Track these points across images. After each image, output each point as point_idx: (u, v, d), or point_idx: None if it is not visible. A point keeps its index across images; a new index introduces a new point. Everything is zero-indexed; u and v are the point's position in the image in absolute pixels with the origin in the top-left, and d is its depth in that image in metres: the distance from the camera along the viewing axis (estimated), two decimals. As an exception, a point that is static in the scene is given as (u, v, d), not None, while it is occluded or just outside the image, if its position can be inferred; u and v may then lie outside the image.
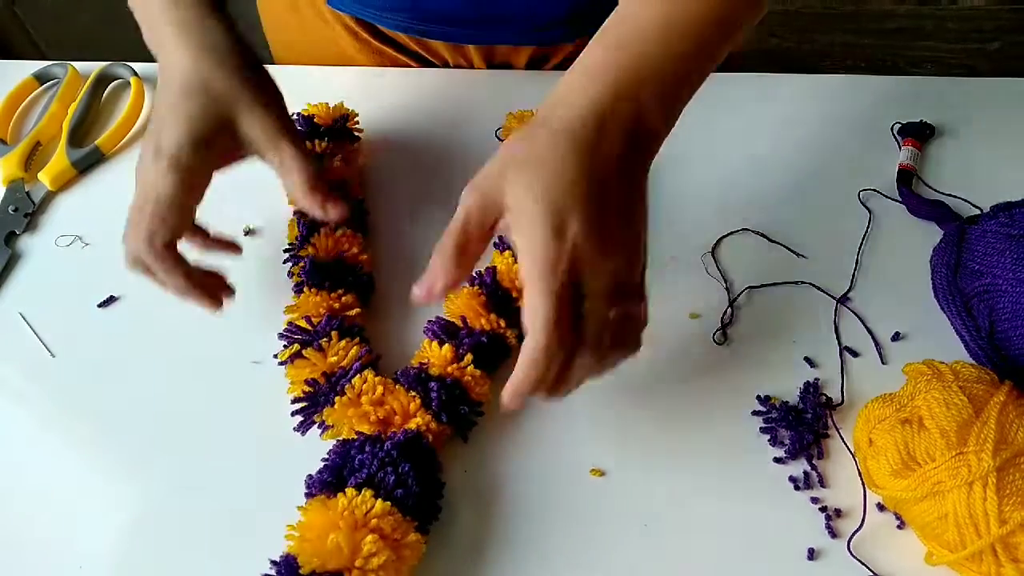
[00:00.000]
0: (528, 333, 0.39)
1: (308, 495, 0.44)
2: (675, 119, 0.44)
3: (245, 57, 0.48)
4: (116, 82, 0.69)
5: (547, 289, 0.38)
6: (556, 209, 0.39)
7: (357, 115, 0.61)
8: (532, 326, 0.39)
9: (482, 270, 0.51)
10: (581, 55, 0.44)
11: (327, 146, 0.58)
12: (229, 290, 0.51)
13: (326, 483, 0.43)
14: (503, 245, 0.53)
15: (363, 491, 0.42)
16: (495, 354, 0.49)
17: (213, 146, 0.47)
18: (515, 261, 0.48)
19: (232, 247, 0.54)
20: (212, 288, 0.50)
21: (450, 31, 0.68)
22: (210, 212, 0.59)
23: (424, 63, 0.72)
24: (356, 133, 0.61)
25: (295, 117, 0.60)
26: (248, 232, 0.58)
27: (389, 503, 0.41)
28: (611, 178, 0.41)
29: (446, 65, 0.72)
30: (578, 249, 0.39)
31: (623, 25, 0.44)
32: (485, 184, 0.41)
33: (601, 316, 0.40)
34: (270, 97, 0.48)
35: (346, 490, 0.42)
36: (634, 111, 0.41)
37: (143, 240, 0.46)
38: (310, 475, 0.44)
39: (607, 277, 0.40)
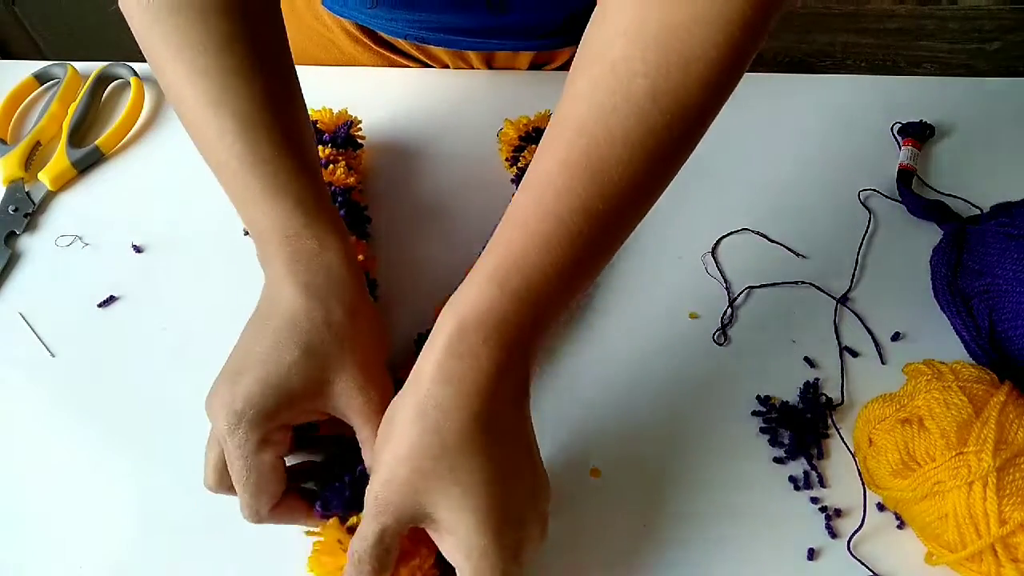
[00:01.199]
0: None
1: (323, 515, 0.42)
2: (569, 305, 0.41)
3: (359, 295, 0.44)
4: (116, 82, 0.69)
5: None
6: (493, 525, 0.36)
7: (360, 121, 0.61)
8: None
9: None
10: (461, 291, 0.39)
11: (331, 152, 0.58)
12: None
13: (345, 500, 0.42)
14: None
15: None
16: None
17: (300, 404, 0.41)
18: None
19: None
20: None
21: (450, 39, 0.68)
22: (210, 212, 0.59)
23: (423, 66, 0.72)
24: (359, 140, 0.61)
25: None
26: (248, 232, 0.58)
27: None
28: (520, 442, 0.39)
29: (445, 68, 0.72)
30: (521, 543, 0.38)
31: (507, 253, 0.38)
32: (401, 499, 0.36)
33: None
34: (378, 352, 0.44)
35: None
36: (532, 340, 0.38)
37: (249, 514, 0.41)
38: (319, 483, 0.43)
39: (531, 510, 0.39)
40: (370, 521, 0.37)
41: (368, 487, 0.38)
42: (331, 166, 0.57)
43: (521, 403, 0.39)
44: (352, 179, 0.57)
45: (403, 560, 0.40)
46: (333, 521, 0.42)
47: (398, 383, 0.48)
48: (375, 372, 0.43)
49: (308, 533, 0.42)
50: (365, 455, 0.42)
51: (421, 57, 0.71)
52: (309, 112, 0.60)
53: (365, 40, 0.71)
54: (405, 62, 0.72)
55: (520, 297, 0.37)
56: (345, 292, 0.43)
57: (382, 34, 0.70)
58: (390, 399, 0.40)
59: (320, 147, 0.58)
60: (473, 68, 0.71)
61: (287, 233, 0.43)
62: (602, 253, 0.40)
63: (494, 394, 0.37)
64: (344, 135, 0.59)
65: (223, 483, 0.42)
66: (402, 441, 0.37)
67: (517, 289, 0.37)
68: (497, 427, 0.37)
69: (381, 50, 0.71)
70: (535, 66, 0.71)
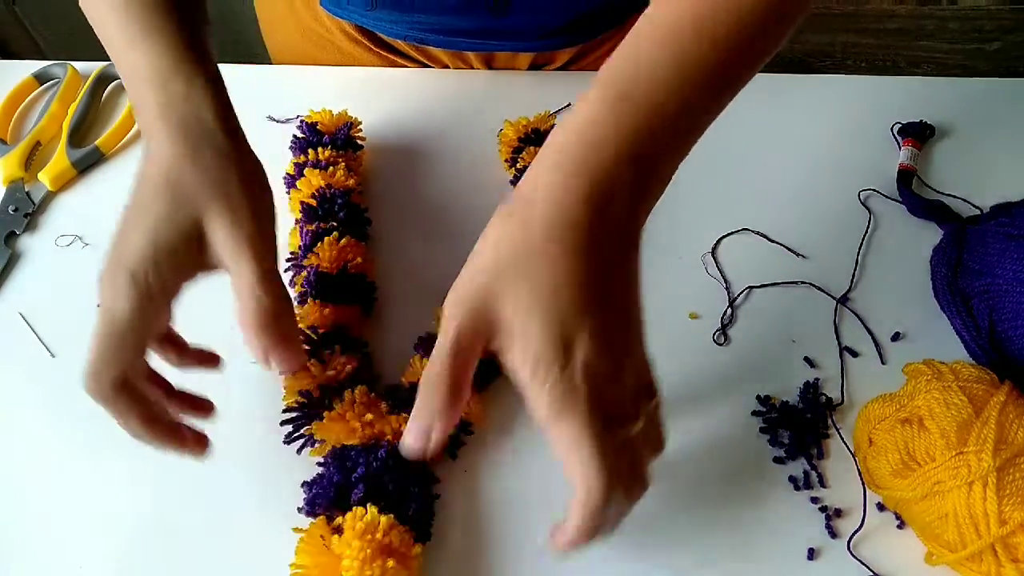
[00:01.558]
0: (579, 483, 0.35)
1: (310, 512, 0.43)
2: (676, 167, 0.39)
3: (230, 140, 0.42)
4: (116, 82, 0.69)
5: (588, 434, 0.34)
6: (560, 332, 0.34)
7: (360, 123, 0.61)
8: (584, 476, 0.34)
9: None
10: (575, 108, 0.37)
11: (331, 154, 0.58)
12: (203, 441, 0.43)
13: (330, 500, 0.42)
14: None
15: (368, 507, 0.41)
16: (485, 369, 0.48)
17: (180, 258, 0.40)
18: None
19: (212, 360, 0.47)
20: (181, 436, 0.42)
21: (450, 40, 0.68)
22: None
23: (422, 66, 0.72)
24: (359, 142, 0.61)
25: (298, 123, 0.60)
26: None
27: (392, 515, 0.41)
28: (614, 277, 0.36)
29: (445, 68, 0.71)
30: (591, 371, 0.34)
31: (627, 66, 0.37)
32: (473, 297, 0.35)
33: (631, 438, 0.36)
34: (248, 197, 0.41)
35: (354, 509, 0.41)
36: (639, 180, 0.36)
37: (90, 376, 0.40)
38: (307, 483, 0.44)
39: (626, 392, 0.36)
40: (445, 322, 0.36)
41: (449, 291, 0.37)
42: (331, 168, 0.57)
43: (626, 238, 0.37)
44: (352, 181, 0.57)
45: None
46: (320, 520, 0.42)
47: (398, 387, 0.48)
48: (252, 219, 0.41)
49: (295, 530, 0.42)
50: (239, 292, 0.41)
51: (420, 58, 0.71)
52: (309, 113, 0.61)
53: (364, 41, 0.71)
54: (404, 62, 0.72)
55: (626, 119, 0.36)
56: (216, 136, 0.42)
57: (381, 35, 0.70)
58: (272, 251, 0.41)
59: (320, 149, 0.58)
60: (472, 68, 0.71)
61: (160, 78, 0.42)
62: (710, 102, 0.39)
63: (592, 212, 0.35)
64: (344, 137, 0.59)
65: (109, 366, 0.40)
66: (485, 240, 0.36)
67: (626, 112, 0.36)
68: (591, 245, 0.35)
69: (380, 51, 0.71)
70: (535, 66, 0.71)
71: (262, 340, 0.41)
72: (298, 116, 0.63)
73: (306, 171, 0.56)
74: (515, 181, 0.59)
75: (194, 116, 0.42)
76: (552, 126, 0.59)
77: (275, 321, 0.41)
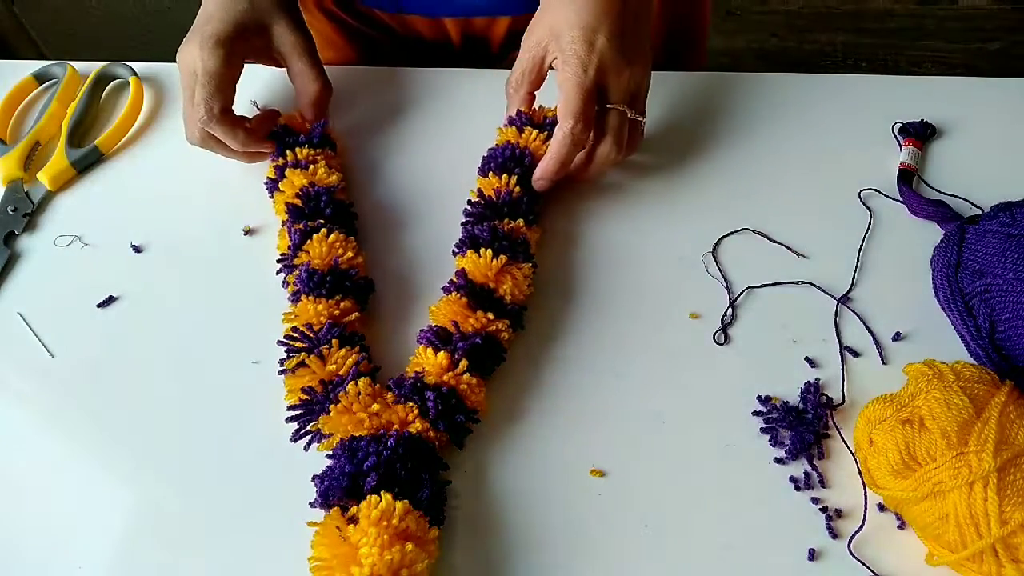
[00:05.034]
0: (559, 122, 0.51)
1: (323, 504, 0.43)
2: None
3: None
4: (115, 82, 0.69)
5: (579, 85, 0.50)
6: (588, 28, 0.51)
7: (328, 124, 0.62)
8: (563, 116, 0.51)
9: (452, 277, 0.51)
10: None
11: (309, 153, 0.58)
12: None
13: (344, 491, 0.43)
14: (461, 250, 0.53)
15: (383, 495, 0.41)
16: (490, 357, 0.49)
17: (251, 38, 0.57)
18: (479, 256, 0.51)
19: (270, 120, 0.60)
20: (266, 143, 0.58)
21: (427, 5, 0.69)
22: (210, 212, 0.59)
23: (401, 41, 0.72)
24: (335, 140, 0.61)
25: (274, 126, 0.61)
26: (248, 232, 0.58)
27: (407, 501, 0.42)
28: (638, 26, 0.52)
29: (422, 39, 0.72)
30: (604, 56, 0.51)
31: None
32: (536, 29, 0.54)
33: (621, 111, 0.52)
34: (298, 20, 0.60)
35: (368, 497, 0.42)
36: None
37: (204, 111, 0.54)
38: (318, 477, 0.44)
39: (626, 81, 0.52)
40: (523, 51, 0.55)
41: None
42: (312, 166, 0.57)
43: None
44: (335, 178, 0.57)
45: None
46: (334, 511, 0.42)
47: (402, 378, 0.48)
48: (304, 28, 0.60)
49: (309, 524, 0.42)
50: (298, 84, 0.60)
51: (395, 27, 0.71)
52: (280, 116, 0.61)
53: (340, 14, 0.71)
54: (381, 36, 0.72)
55: None
56: None
57: (359, 6, 0.70)
58: (317, 55, 0.60)
59: (298, 149, 0.58)
60: (451, 38, 0.72)
61: None
62: None
63: None
64: (319, 135, 0.59)
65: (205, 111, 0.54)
66: None
67: None
68: None
69: (359, 25, 0.71)
70: (514, 33, 0.71)
71: (312, 115, 0.60)
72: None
73: (287, 172, 0.57)
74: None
75: None
76: (547, 116, 0.59)
77: (322, 101, 0.60)
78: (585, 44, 0.50)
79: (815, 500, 0.45)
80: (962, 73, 1.03)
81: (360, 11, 0.71)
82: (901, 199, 0.58)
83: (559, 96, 0.52)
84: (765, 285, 0.54)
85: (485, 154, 0.57)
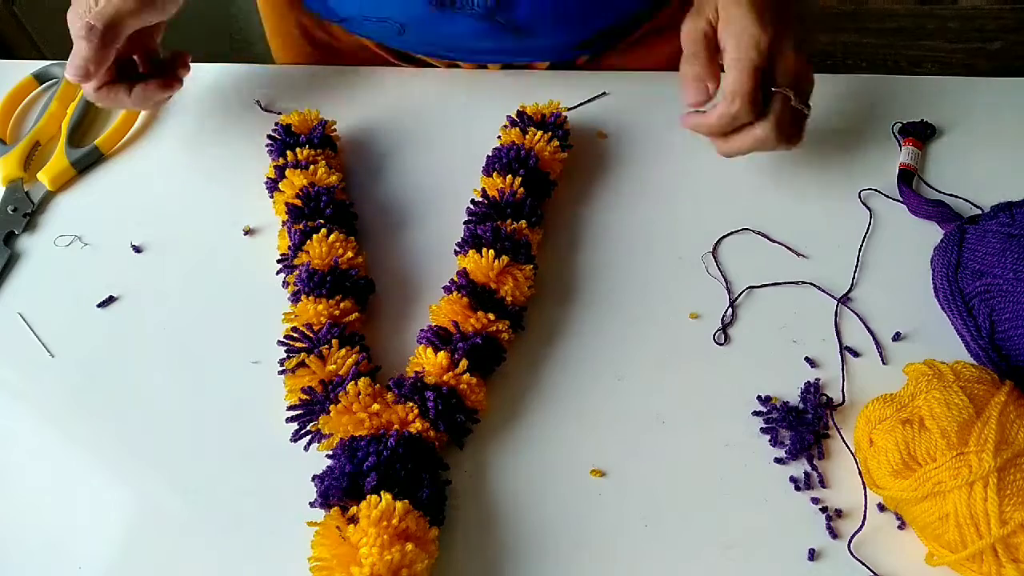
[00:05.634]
0: (725, 97, 0.51)
1: (323, 504, 0.43)
2: None
3: None
4: (116, 82, 0.69)
5: (750, 65, 0.50)
6: (758, 9, 0.50)
7: (335, 122, 0.61)
8: (731, 93, 0.50)
9: (453, 276, 0.51)
10: None
11: (309, 153, 0.58)
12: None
13: (344, 491, 0.43)
14: (462, 249, 0.53)
15: (383, 495, 0.41)
16: (490, 357, 0.49)
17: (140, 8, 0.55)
18: (481, 256, 0.51)
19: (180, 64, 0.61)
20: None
21: (474, 57, 0.69)
22: (210, 212, 0.59)
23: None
24: (335, 140, 0.61)
25: (272, 126, 0.61)
26: (248, 232, 0.58)
27: (407, 501, 0.42)
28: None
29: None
30: (775, 38, 0.50)
31: None
32: (702, 9, 0.53)
33: (786, 96, 0.51)
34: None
35: (368, 497, 0.42)
36: None
37: (79, 71, 0.54)
38: (318, 477, 0.44)
39: (792, 65, 0.51)
40: (689, 32, 0.53)
41: None
42: (312, 167, 0.57)
43: None
44: (335, 178, 0.57)
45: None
46: (334, 511, 0.42)
47: (402, 378, 0.48)
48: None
49: (309, 524, 0.42)
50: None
51: (441, 66, 0.72)
52: (281, 118, 0.61)
53: (383, 55, 0.72)
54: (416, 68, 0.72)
55: None
56: None
57: (409, 52, 0.71)
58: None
59: (298, 149, 0.58)
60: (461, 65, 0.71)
61: None
62: None
63: None
64: (320, 135, 0.59)
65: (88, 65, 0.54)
66: None
67: None
68: None
69: (387, 56, 0.72)
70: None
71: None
72: (280, 112, 0.63)
73: (287, 172, 0.57)
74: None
75: None
76: (557, 113, 0.60)
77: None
78: (759, 24, 0.50)
79: (815, 500, 0.45)
80: (962, 73, 1.03)
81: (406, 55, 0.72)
82: (901, 199, 0.58)
83: (725, 74, 0.51)
84: (765, 285, 0.54)
85: (490, 154, 0.57)
